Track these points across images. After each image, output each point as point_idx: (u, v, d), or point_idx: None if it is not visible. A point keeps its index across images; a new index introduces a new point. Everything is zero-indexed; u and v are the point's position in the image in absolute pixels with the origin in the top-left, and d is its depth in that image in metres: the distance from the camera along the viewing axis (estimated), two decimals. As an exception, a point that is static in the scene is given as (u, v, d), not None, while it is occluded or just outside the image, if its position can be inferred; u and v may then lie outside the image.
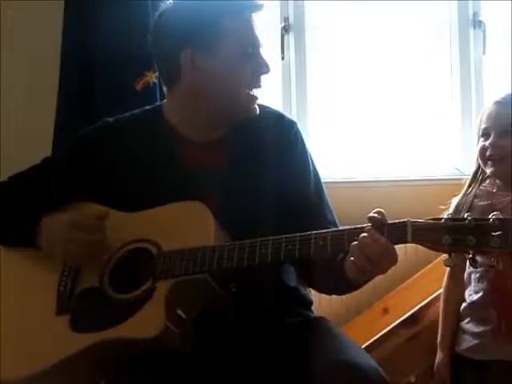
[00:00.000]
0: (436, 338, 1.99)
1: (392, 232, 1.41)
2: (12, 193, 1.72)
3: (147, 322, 1.46)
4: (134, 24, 2.45)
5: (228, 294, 1.53)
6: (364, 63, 2.87)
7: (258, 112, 1.67)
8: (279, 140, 1.71)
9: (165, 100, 1.76)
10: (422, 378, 2.15)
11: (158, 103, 1.80)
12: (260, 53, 1.66)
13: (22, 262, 1.67)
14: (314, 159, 1.76)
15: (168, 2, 1.74)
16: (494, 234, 1.32)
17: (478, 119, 1.94)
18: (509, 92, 1.91)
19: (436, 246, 1.37)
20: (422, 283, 2.40)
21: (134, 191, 1.64)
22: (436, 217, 1.41)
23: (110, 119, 1.75)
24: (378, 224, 1.42)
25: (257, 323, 1.60)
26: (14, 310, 1.63)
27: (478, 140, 1.91)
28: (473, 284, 1.88)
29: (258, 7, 1.66)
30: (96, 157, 1.69)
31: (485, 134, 1.86)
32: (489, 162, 1.85)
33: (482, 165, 1.88)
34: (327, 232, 1.46)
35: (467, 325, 1.89)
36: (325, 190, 1.75)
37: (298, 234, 1.46)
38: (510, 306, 1.81)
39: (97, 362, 1.53)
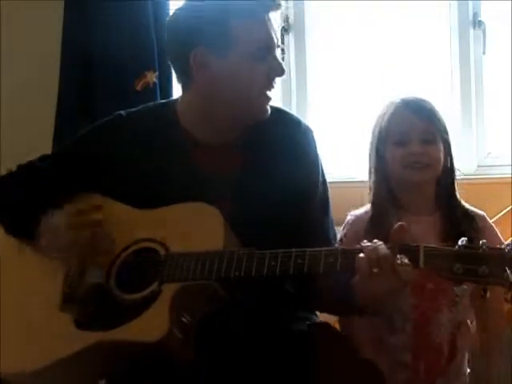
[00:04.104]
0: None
1: (404, 256, 1.39)
2: (20, 182, 1.70)
3: (151, 326, 1.45)
4: (133, 24, 2.46)
5: (233, 299, 1.52)
6: (364, 63, 2.87)
7: (268, 113, 1.64)
8: (293, 147, 1.69)
9: (179, 96, 1.72)
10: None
11: (172, 98, 1.77)
12: (274, 54, 1.61)
13: (26, 254, 1.66)
14: (324, 168, 1.74)
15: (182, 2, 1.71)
16: (507, 265, 1.30)
17: (377, 122, 1.86)
18: (410, 94, 1.88)
19: (447, 275, 1.35)
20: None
21: (143, 189, 1.63)
22: (449, 244, 1.40)
23: (123, 113, 1.73)
24: (390, 245, 1.41)
25: (261, 329, 1.59)
26: (17, 303, 1.62)
27: (380, 147, 1.84)
28: (385, 323, 1.79)
29: (273, 6, 1.61)
30: (106, 150, 1.66)
31: (402, 142, 1.80)
32: (414, 170, 1.79)
33: (401, 173, 1.81)
34: (337, 249, 1.46)
35: (382, 365, 1.74)
36: (330, 201, 1.73)
37: (308, 249, 1.45)
38: (432, 351, 1.77)
39: (98, 361, 1.53)
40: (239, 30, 1.56)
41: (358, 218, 1.84)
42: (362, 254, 1.41)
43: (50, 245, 1.60)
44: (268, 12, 1.60)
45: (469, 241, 1.67)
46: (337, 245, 1.72)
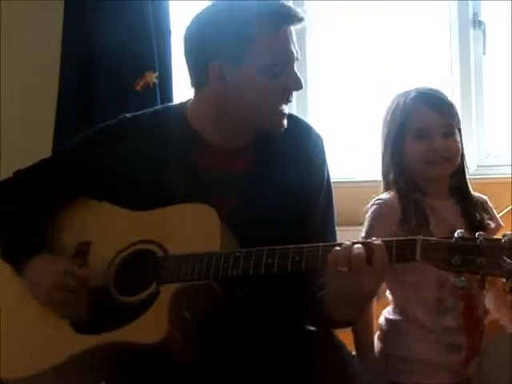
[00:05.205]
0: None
1: (400, 249, 1.39)
2: (18, 193, 1.69)
3: (150, 327, 1.45)
4: (133, 24, 2.46)
5: (232, 299, 1.52)
6: (364, 63, 2.87)
7: (284, 127, 1.62)
8: (300, 153, 1.68)
9: (189, 100, 1.70)
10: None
11: (180, 102, 1.75)
12: (292, 68, 1.59)
13: None
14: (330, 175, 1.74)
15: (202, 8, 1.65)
16: (505, 256, 1.30)
17: (392, 117, 1.86)
18: (425, 86, 1.89)
19: (445, 267, 1.35)
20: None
21: (147, 191, 1.61)
22: (446, 236, 1.39)
23: (129, 115, 1.71)
24: (386, 240, 1.40)
25: (260, 329, 1.59)
26: (16, 308, 1.61)
27: (398, 141, 1.84)
28: (432, 307, 1.77)
29: (296, 19, 1.57)
30: (109, 153, 1.65)
31: (423, 137, 1.80)
32: (436, 165, 1.80)
33: (422, 167, 1.81)
34: (334, 245, 1.45)
35: (424, 353, 1.76)
36: (334, 207, 1.73)
37: (306, 245, 1.45)
38: (478, 329, 1.78)
39: (98, 364, 1.53)
40: (260, 43, 1.54)
41: (385, 203, 1.81)
42: (337, 248, 1.41)
43: (30, 289, 1.59)
44: (289, 25, 1.57)
45: (482, 226, 1.77)
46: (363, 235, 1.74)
